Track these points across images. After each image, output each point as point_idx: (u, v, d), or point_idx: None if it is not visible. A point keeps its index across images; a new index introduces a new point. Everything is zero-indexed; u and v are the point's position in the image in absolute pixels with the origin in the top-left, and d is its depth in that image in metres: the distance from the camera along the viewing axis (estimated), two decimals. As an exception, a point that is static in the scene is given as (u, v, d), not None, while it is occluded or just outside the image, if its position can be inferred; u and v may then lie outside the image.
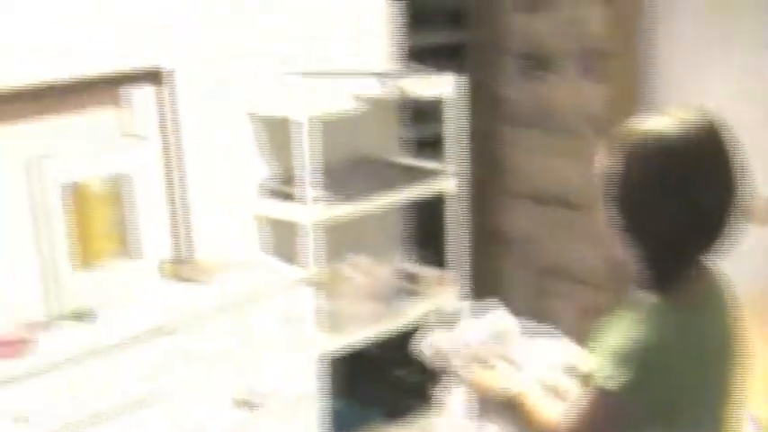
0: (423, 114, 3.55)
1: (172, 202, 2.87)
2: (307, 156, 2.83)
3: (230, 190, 3.01)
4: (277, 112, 2.97)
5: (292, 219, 2.95)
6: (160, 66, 2.77)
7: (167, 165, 2.84)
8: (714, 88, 3.23)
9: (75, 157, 2.63)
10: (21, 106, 2.50)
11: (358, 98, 3.01)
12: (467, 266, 3.30)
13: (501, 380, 1.84)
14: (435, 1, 3.89)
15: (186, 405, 2.59)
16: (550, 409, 1.69)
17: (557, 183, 3.78)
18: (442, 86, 3.10)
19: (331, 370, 3.03)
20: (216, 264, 2.87)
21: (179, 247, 2.89)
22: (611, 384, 1.50)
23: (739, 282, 1.70)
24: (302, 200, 2.89)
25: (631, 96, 3.45)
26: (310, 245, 2.88)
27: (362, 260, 3.16)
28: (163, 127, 2.83)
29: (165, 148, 2.83)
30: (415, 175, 3.23)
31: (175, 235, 2.89)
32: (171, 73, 2.80)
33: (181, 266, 2.85)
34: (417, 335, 2.03)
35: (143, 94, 2.75)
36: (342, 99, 2.98)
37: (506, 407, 1.78)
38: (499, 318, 1.98)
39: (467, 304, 2.27)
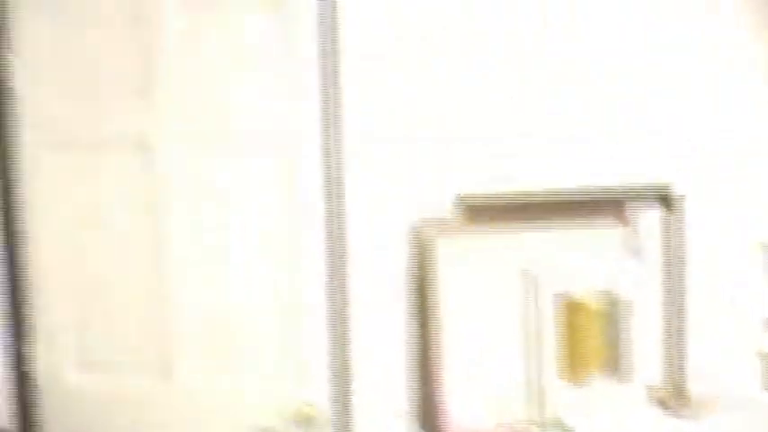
0: None
1: (668, 326, 2.74)
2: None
3: (732, 321, 2.77)
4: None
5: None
6: (669, 188, 2.71)
7: (667, 288, 2.73)
8: None
9: (572, 269, 2.68)
10: (522, 215, 2.66)
11: None
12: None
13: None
14: None
15: None
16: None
17: None
18: None
19: None
20: (709, 398, 2.65)
21: (670, 376, 2.73)
22: None
23: None
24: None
25: None
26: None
27: None
28: (666, 250, 2.74)
29: (667, 272, 2.73)
30: None
31: (668, 362, 2.74)
32: (681, 198, 2.72)
33: (670, 396, 2.69)
34: None
35: (649, 215, 2.72)
36: None
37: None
38: None
39: None
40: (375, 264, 2.66)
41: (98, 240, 2.45)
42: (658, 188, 2.73)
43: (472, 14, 2.69)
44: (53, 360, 2.53)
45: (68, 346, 2.51)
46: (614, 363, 2.70)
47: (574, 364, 2.67)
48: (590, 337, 2.69)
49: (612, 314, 2.70)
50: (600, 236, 2.71)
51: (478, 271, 2.64)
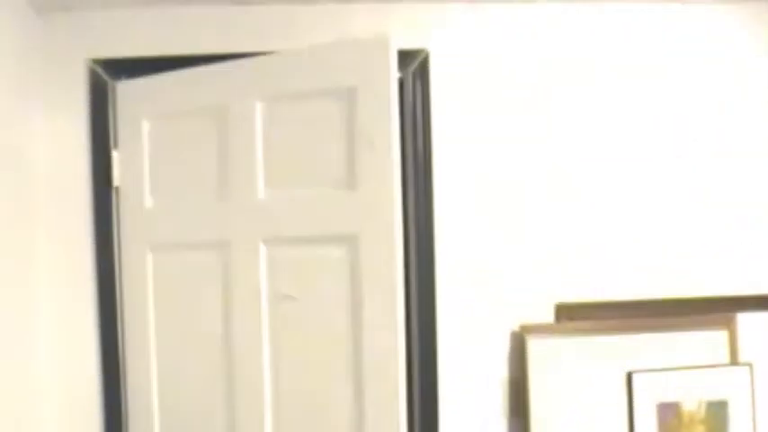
0: None
1: (771, 435, 2.65)
2: None
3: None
4: None
5: None
6: (774, 291, 2.66)
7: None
8: None
9: (675, 376, 2.60)
10: (625, 319, 2.61)
11: None
12: None
13: None
14: None
15: None
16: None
17: None
18: None
19: None
20: None
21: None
22: None
23: None
24: None
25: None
26: None
27: None
28: (770, 355, 2.67)
29: (770, 378, 2.66)
30: None
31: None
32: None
33: None
34: None
35: (754, 321, 2.64)
36: None
37: None
38: None
39: None
40: (472, 371, 2.63)
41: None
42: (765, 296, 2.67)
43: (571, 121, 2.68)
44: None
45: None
46: (717, 473, 2.61)
47: (677, 474, 2.59)
48: (692, 445, 2.61)
49: (717, 423, 2.61)
50: (702, 341, 2.64)
51: (578, 376, 2.58)
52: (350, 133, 2.09)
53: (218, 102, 2.32)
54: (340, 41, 2.15)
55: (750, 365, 2.64)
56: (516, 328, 2.63)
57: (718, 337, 2.64)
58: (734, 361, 2.64)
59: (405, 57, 2.59)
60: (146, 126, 2.45)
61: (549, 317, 2.64)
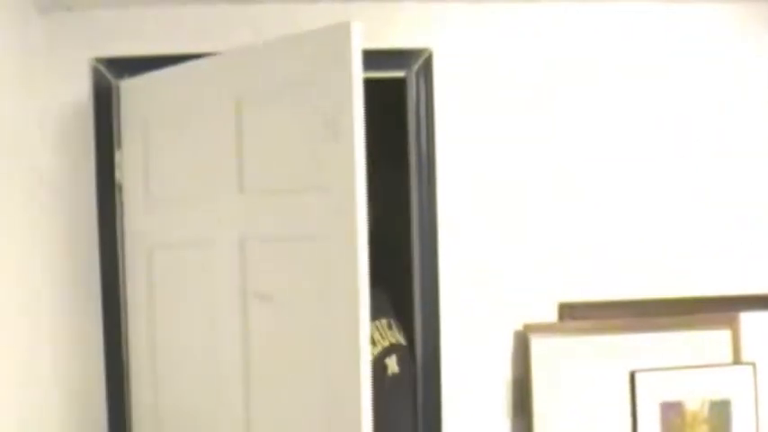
0: None
1: (774, 435, 2.65)
2: None
3: None
4: None
5: None
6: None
7: (773, 394, 2.66)
8: None
9: (678, 375, 2.61)
10: (628, 318, 2.62)
11: None
12: None
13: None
14: None
15: None
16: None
17: None
18: None
19: None
20: None
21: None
22: None
23: None
24: None
25: None
26: None
27: None
28: (773, 354, 2.67)
29: (773, 377, 2.66)
30: None
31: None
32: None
33: None
34: None
35: (757, 320, 2.65)
36: None
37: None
38: None
39: None
40: (475, 370, 2.63)
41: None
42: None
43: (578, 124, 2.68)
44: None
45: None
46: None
47: (680, 473, 2.59)
48: (694, 445, 2.62)
49: (720, 422, 2.62)
50: (705, 341, 2.64)
51: (581, 376, 2.59)
52: (316, 126, 2.02)
53: (196, 99, 2.30)
54: (305, 32, 2.08)
55: (753, 365, 2.64)
56: (519, 327, 2.63)
57: (722, 336, 2.64)
58: (737, 360, 2.64)
59: (408, 56, 2.59)
60: (143, 125, 2.44)
61: (552, 316, 2.64)
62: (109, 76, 2.51)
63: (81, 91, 2.51)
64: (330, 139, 1.97)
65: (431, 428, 2.60)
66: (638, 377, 2.60)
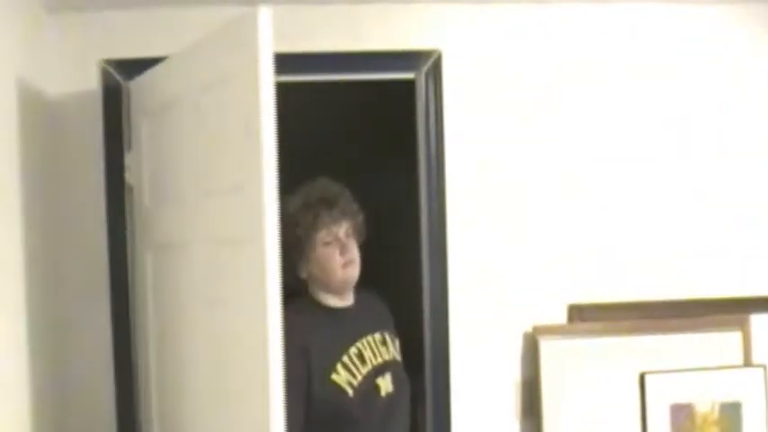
0: None
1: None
2: None
3: None
4: None
5: None
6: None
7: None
8: None
9: (687, 376, 2.60)
10: (638, 320, 2.61)
11: None
12: None
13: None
14: None
15: None
16: None
17: None
18: None
19: None
20: None
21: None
22: None
23: None
24: None
25: None
26: None
27: None
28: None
29: (783, 379, 2.65)
30: None
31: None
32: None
33: None
34: None
35: (766, 322, 2.64)
36: None
37: None
38: None
39: None
40: (485, 372, 2.63)
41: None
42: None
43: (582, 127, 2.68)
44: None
45: None
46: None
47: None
48: (705, 447, 2.61)
49: (730, 425, 2.61)
50: (715, 343, 2.64)
51: (591, 377, 2.58)
52: (240, 126, 1.93)
53: (166, 100, 2.28)
54: (222, 25, 2.01)
55: (764, 367, 2.63)
56: (528, 329, 2.62)
57: (732, 338, 2.64)
58: (747, 362, 2.64)
59: (417, 57, 2.59)
60: (143, 124, 2.43)
61: (561, 318, 2.63)
62: (118, 76, 2.51)
63: (90, 92, 2.51)
64: (242, 136, 1.90)
65: (440, 429, 2.59)
66: (647, 379, 2.59)
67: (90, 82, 2.51)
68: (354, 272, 2.22)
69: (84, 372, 2.53)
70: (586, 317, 2.62)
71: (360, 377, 2.14)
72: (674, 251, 2.67)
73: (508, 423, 2.64)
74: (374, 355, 2.23)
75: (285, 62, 2.54)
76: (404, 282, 2.67)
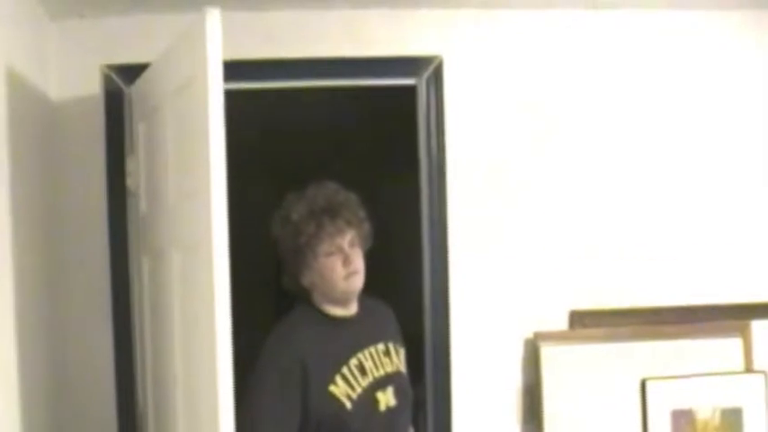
0: None
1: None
2: None
3: None
4: None
5: None
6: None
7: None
8: None
9: (688, 382, 2.60)
10: (639, 326, 2.61)
11: None
12: None
13: None
14: None
15: None
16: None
17: None
18: None
19: None
20: None
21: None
22: None
23: None
24: None
25: None
26: None
27: None
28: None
29: (785, 385, 2.65)
30: None
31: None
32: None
33: None
34: None
35: (766, 328, 2.64)
36: None
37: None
38: None
39: None
40: (486, 377, 2.63)
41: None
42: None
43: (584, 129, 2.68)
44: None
45: None
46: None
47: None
48: (706, 453, 2.60)
49: (731, 431, 2.61)
50: (715, 350, 2.64)
51: (592, 383, 2.58)
52: (188, 129, 1.95)
53: (153, 105, 2.28)
54: (180, 33, 2.00)
55: (765, 373, 2.63)
56: (530, 335, 2.62)
57: (733, 344, 2.64)
58: (748, 368, 2.64)
59: (419, 63, 2.59)
60: (140, 129, 2.43)
61: (562, 324, 2.64)
62: (119, 82, 2.52)
63: (92, 97, 2.51)
64: (196, 142, 1.89)
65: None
66: (648, 385, 2.59)
67: (92, 87, 2.52)
68: (357, 283, 2.13)
69: (84, 376, 2.53)
70: (588, 323, 2.62)
71: (359, 389, 2.08)
72: (675, 258, 2.67)
73: (509, 429, 2.63)
74: (376, 366, 2.15)
75: (286, 68, 2.58)
76: (405, 287, 2.67)
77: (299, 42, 2.56)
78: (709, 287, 2.67)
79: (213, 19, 1.81)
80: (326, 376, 2.06)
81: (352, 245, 2.13)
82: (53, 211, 2.49)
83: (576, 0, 2.62)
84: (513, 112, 2.64)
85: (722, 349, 2.63)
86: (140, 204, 2.44)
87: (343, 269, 2.11)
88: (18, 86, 2.24)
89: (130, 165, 2.49)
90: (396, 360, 2.22)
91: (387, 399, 2.14)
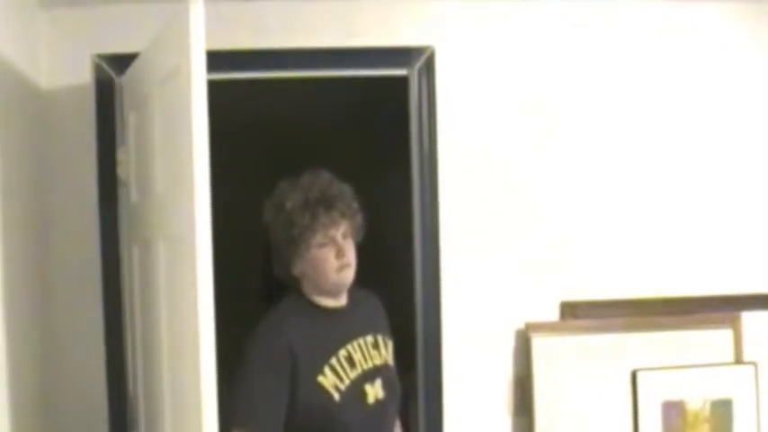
0: None
1: (775, 434, 2.65)
2: None
3: None
4: None
5: None
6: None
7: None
8: None
9: (679, 374, 2.60)
10: (630, 318, 2.61)
11: None
12: None
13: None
14: None
15: None
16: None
17: None
18: None
19: None
20: None
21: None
22: None
23: None
24: None
25: None
26: None
27: None
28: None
29: (774, 376, 2.66)
30: None
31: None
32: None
33: None
34: None
35: (759, 320, 2.65)
36: None
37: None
38: None
39: None
40: (477, 369, 2.63)
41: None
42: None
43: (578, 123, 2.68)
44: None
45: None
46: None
47: (680, 472, 2.58)
48: (696, 444, 2.61)
49: (721, 422, 2.61)
50: (706, 341, 2.64)
51: (583, 375, 2.58)
52: (173, 119, 1.93)
53: (142, 94, 2.27)
54: (165, 23, 2.00)
55: (755, 364, 2.64)
56: (521, 326, 2.62)
57: (723, 335, 2.64)
58: (738, 360, 2.64)
59: (410, 54, 2.59)
60: (131, 118, 2.42)
61: (553, 315, 2.64)
62: (110, 71, 2.51)
63: (83, 86, 2.51)
64: (179, 134, 1.89)
65: (433, 427, 2.59)
66: (639, 376, 2.59)
67: (83, 76, 2.51)
68: (349, 275, 2.13)
69: (75, 363, 2.52)
70: (579, 314, 2.62)
71: (347, 381, 2.07)
72: (666, 249, 2.67)
73: (501, 420, 2.64)
74: (364, 358, 2.15)
75: (277, 58, 2.57)
76: (396, 279, 2.67)
77: (290, 32, 2.55)
78: (700, 279, 2.68)
79: (197, 8, 1.80)
80: (315, 366, 2.05)
81: (345, 236, 2.13)
82: (44, 200, 2.49)
83: (569, -9, 2.62)
84: (504, 103, 2.64)
85: (713, 341, 2.64)
86: (131, 194, 2.43)
87: (335, 261, 2.10)
88: (8, 76, 2.23)
89: (121, 154, 2.48)
90: (384, 353, 2.22)
91: (375, 391, 2.13)
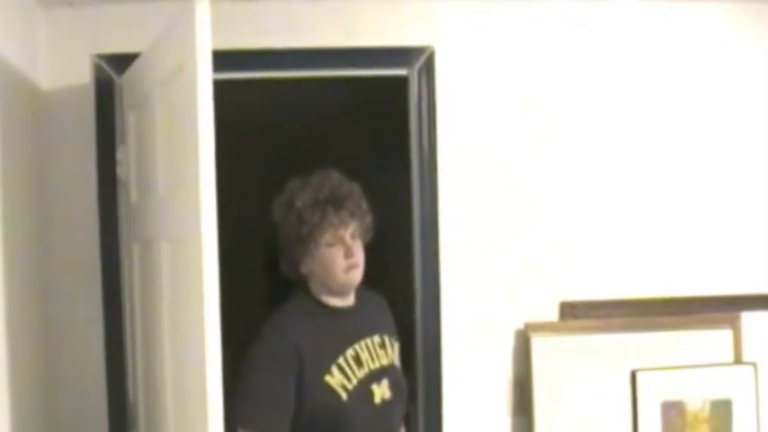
0: None
1: (775, 435, 2.65)
2: None
3: None
4: None
5: None
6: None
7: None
8: None
9: (678, 374, 2.60)
10: (630, 318, 2.62)
11: None
12: None
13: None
14: None
15: None
16: None
17: None
18: None
19: None
20: None
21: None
22: None
23: None
24: None
25: None
26: None
27: None
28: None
29: (774, 377, 2.66)
30: None
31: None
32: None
33: None
34: None
35: (759, 320, 2.65)
36: None
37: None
38: None
39: None
40: (477, 369, 2.63)
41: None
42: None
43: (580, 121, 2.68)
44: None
45: None
46: (720, 471, 2.61)
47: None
48: (695, 444, 2.61)
49: (721, 422, 2.61)
50: (705, 340, 2.64)
51: (582, 375, 2.58)
52: (177, 119, 1.93)
53: (143, 94, 2.27)
54: (169, 23, 1.99)
55: (754, 365, 2.64)
56: (520, 326, 2.62)
57: (723, 336, 2.64)
58: (738, 360, 2.64)
59: (410, 54, 2.59)
60: (130, 118, 2.42)
61: (553, 315, 2.64)
62: (110, 71, 2.51)
63: (83, 86, 2.51)
64: (184, 133, 1.88)
65: (432, 426, 2.59)
66: (639, 376, 2.59)
67: (83, 76, 2.51)
68: (357, 276, 2.12)
69: (74, 365, 2.53)
70: (578, 314, 2.63)
71: (355, 381, 2.07)
72: (665, 249, 2.68)
73: (500, 420, 2.64)
74: (372, 358, 2.14)
75: (277, 58, 2.57)
76: (396, 278, 2.67)
77: (291, 32, 2.55)
78: (699, 279, 2.68)
79: (202, 8, 1.81)
80: (322, 366, 2.05)
81: (353, 237, 2.12)
82: (43, 200, 2.49)
83: (569, -10, 2.62)
84: (504, 103, 2.64)
85: (712, 341, 2.64)
86: (131, 194, 2.43)
87: (344, 261, 2.09)
88: (8, 75, 2.23)
89: (121, 154, 2.48)
90: (390, 353, 2.22)
91: (382, 391, 2.13)
